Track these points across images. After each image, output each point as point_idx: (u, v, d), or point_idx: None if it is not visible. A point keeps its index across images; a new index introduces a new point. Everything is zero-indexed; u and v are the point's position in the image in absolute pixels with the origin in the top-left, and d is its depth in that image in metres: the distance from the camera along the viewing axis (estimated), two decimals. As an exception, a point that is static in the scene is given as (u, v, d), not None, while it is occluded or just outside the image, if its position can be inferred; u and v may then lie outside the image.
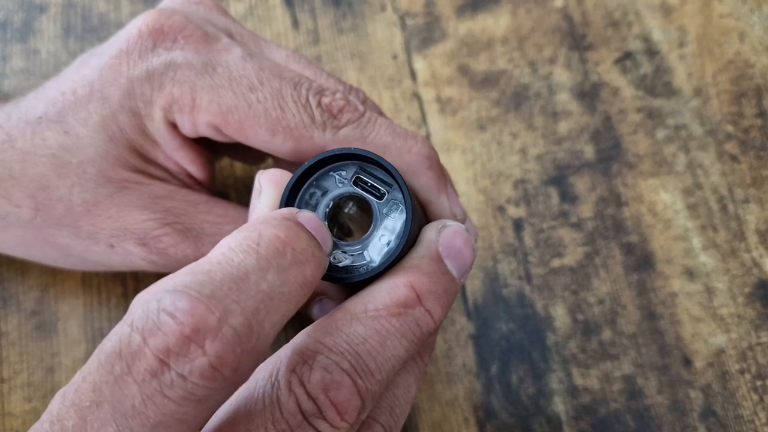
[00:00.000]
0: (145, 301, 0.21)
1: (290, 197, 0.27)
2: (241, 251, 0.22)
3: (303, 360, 0.24)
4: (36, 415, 0.36)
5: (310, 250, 0.23)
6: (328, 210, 0.27)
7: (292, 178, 0.27)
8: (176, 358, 0.20)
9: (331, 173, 0.27)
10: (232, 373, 0.21)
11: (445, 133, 0.42)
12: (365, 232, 0.27)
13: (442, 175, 0.30)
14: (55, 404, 0.22)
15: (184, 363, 0.20)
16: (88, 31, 0.44)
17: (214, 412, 0.22)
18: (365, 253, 0.27)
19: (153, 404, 0.20)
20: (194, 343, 0.20)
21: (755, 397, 0.36)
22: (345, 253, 0.27)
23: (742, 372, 0.37)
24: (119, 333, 0.21)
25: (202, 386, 0.20)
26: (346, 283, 0.26)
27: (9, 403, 0.37)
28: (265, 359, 0.25)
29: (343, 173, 0.27)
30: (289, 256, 0.23)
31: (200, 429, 0.22)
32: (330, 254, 0.26)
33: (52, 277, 0.39)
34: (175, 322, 0.20)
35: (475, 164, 0.41)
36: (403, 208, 0.27)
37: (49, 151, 0.32)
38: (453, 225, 0.28)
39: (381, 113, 0.33)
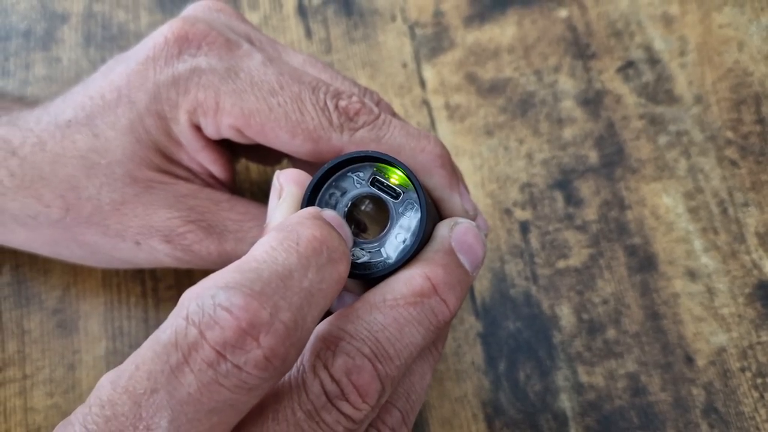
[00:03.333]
0: (198, 296, 0.22)
1: (311, 197, 0.28)
2: (283, 250, 0.24)
3: (326, 346, 0.25)
4: (57, 410, 0.38)
5: (342, 248, 0.25)
6: (346, 209, 0.29)
7: (313, 178, 0.28)
8: (233, 350, 0.21)
9: (349, 174, 0.29)
10: (281, 363, 0.22)
11: (454, 138, 0.43)
12: (380, 229, 0.29)
13: (454, 173, 0.32)
14: (105, 390, 0.22)
15: (240, 354, 0.21)
16: (108, 40, 0.46)
17: (260, 398, 0.23)
18: (382, 250, 0.28)
19: (208, 392, 0.21)
20: (250, 336, 0.21)
21: (756, 395, 0.37)
22: (363, 250, 0.28)
23: (743, 370, 0.38)
24: (174, 325, 0.22)
25: (255, 376, 0.22)
26: (364, 278, 0.28)
27: (32, 399, 0.38)
28: None
29: (361, 174, 0.28)
30: (326, 254, 0.24)
31: (245, 414, 0.23)
32: (351, 251, 0.27)
33: (73, 276, 0.40)
34: (231, 316, 0.21)
35: (483, 169, 0.42)
36: (418, 207, 0.28)
37: (79, 153, 0.33)
38: (464, 222, 0.29)
39: (394, 113, 0.35)
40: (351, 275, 0.27)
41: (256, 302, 0.22)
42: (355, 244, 0.28)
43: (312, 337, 0.25)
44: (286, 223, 0.25)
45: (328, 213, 0.26)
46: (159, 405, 0.22)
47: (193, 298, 0.22)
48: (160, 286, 0.40)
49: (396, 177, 0.28)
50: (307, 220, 0.25)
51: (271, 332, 0.22)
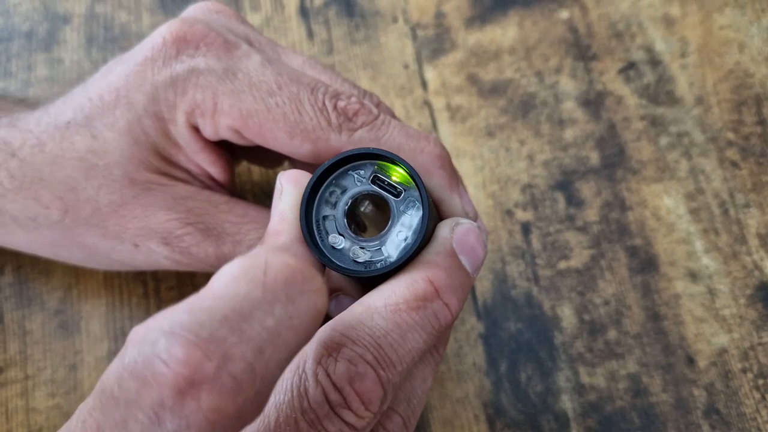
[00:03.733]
0: (141, 341, 0.20)
1: (311, 196, 0.28)
2: (245, 282, 0.21)
3: (328, 352, 0.24)
4: (59, 410, 0.38)
5: (320, 276, 0.22)
6: (346, 208, 0.28)
7: (313, 176, 0.28)
8: (171, 412, 0.19)
9: (350, 172, 0.28)
10: (233, 422, 0.20)
11: (455, 139, 0.43)
12: (380, 229, 0.29)
13: (454, 175, 0.32)
14: (72, 423, 0.21)
15: (180, 418, 0.19)
16: (110, 41, 0.46)
17: None
18: (383, 248, 0.28)
19: None
20: (188, 396, 0.19)
21: (757, 396, 0.37)
22: (363, 249, 0.28)
23: (744, 371, 0.38)
24: (116, 374, 0.20)
25: None
26: (365, 277, 0.27)
27: (33, 399, 0.38)
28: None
29: (362, 172, 0.28)
30: (300, 283, 0.21)
31: None
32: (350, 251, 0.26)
33: (75, 277, 0.40)
34: (169, 371, 0.19)
35: (484, 170, 0.42)
36: (419, 205, 0.28)
37: (78, 154, 0.33)
38: (466, 222, 0.29)
39: (394, 116, 0.35)
40: (352, 274, 0.27)
41: (199, 352, 0.19)
42: (356, 244, 0.28)
43: (313, 344, 0.25)
44: (255, 250, 0.23)
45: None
46: None
47: (135, 343, 0.20)
48: (161, 287, 0.40)
49: (397, 175, 0.28)
50: (280, 246, 0.23)
51: (216, 389, 0.19)
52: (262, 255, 0.22)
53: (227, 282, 0.21)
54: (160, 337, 0.19)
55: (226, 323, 0.20)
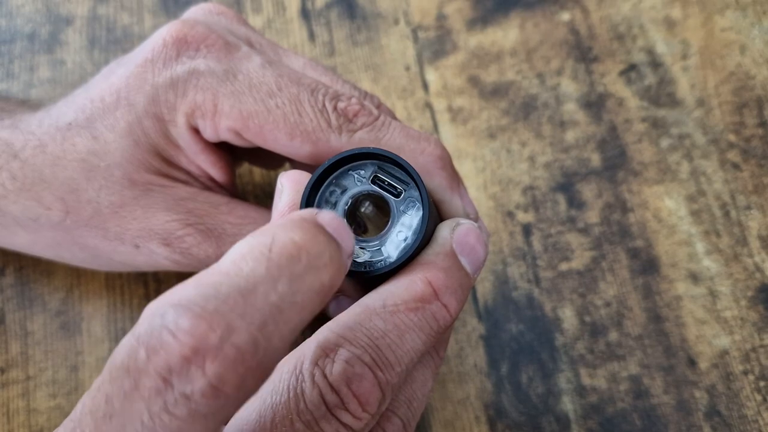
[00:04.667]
0: (152, 314, 0.21)
1: (311, 195, 0.28)
2: (251, 259, 0.21)
3: (325, 353, 0.24)
4: (60, 411, 0.38)
5: (328, 253, 0.23)
6: (347, 208, 0.28)
7: (312, 176, 0.28)
8: (178, 377, 0.20)
9: (350, 172, 0.28)
10: (235, 391, 0.20)
11: (456, 141, 0.43)
12: (380, 229, 0.28)
13: (454, 175, 0.31)
14: (78, 408, 0.22)
15: (185, 383, 0.20)
16: (112, 42, 0.46)
17: (226, 421, 0.22)
18: (383, 248, 0.28)
19: (160, 420, 0.20)
20: (194, 364, 0.20)
21: (759, 398, 0.37)
22: (363, 249, 0.28)
23: (745, 373, 0.38)
24: (127, 346, 0.21)
25: (206, 404, 0.20)
26: (365, 277, 0.27)
27: (34, 400, 0.38)
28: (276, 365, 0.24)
29: (362, 172, 0.28)
30: (304, 260, 0.22)
31: None
32: (352, 255, 0.25)
33: (76, 278, 0.40)
34: (175, 341, 0.20)
35: (486, 171, 0.42)
36: (420, 205, 0.28)
37: (79, 155, 0.33)
38: (466, 223, 0.29)
39: (395, 117, 0.35)
40: (351, 275, 0.27)
41: (204, 323, 0.20)
42: (356, 243, 0.28)
43: (311, 345, 0.25)
44: (266, 226, 0.23)
45: (326, 214, 0.24)
46: (116, 431, 0.20)
47: (147, 317, 0.21)
48: (162, 288, 0.40)
49: (397, 175, 0.28)
50: (291, 222, 0.23)
51: (219, 358, 0.20)
52: (271, 232, 0.22)
53: (234, 259, 0.22)
54: (168, 310, 0.20)
55: (231, 298, 0.20)
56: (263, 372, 0.21)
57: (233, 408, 0.21)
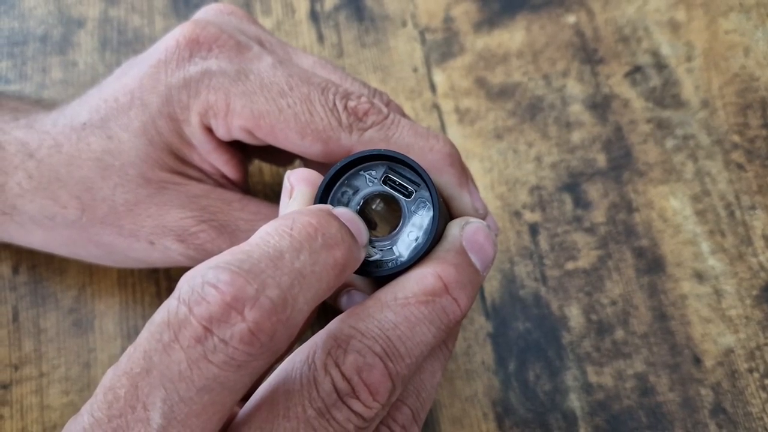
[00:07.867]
0: (190, 277, 0.23)
1: (323, 196, 0.28)
2: (276, 234, 0.24)
3: (338, 344, 0.25)
4: (73, 407, 0.38)
5: (340, 235, 0.25)
6: (358, 207, 0.29)
7: (326, 177, 0.28)
8: (218, 324, 0.22)
9: (361, 173, 0.29)
10: (268, 339, 0.22)
11: (464, 142, 0.43)
12: (391, 227, 0.29)
13: (463, 172, 0.32)
14: (107, 377, 0.23)
15: (225, 328, 0.22)
16: (124, 44, 0.46)
17: (253, 380, 0.23)
18: (394, 248, 0.28)
19: (198, 369, 0.22)
20: (234, 310, 0.22)
21: (764, 395, 0.38)
22: (375, 248, 0.28)
23: (750, 371, 0.38)
24: (167, 306, 0.23)
25: (242, 351, 0.22)
26: (376, 276, 0.28)
27: (48, 397, 0.38)
28: (298, 335, 0.26)
29: (373, 173, 0.29)
30: (320, 239, 0.24)
31: (240, 397, 0.24)
32: (365, 247, 0.27)
33: (89, 276, 0.41)
34: (217, 292, 0.22)
35: (493, 172, 0.43)
36: (430, 205, 0.28)
37: (94, 155, 0.33)
38: (475, 221, 0.29)
39: (404, 114, 0.35)
40: (363, 273, 0.28)
41: (242, 278, 0.22)
42: (368, 242, 0.28)
43: (323, 335, 0.26)
44: (286, 213, 0.26)
45: (341, 210, 0.27)
46: (153, 384, 0.22)
47: (186, 280, 0.23)
48: (173, 287, 0.40)
49: (408, 175, 0.29)
50: (308, 210, 0.25)
51: (256, 306, 0.22)
52: (291, 216, 0.25)
53: (262, 235, 0.24)
54: (208, 271, 0.22)
55: (262, 261, 0.23)
56: (291, 329, 0.23)
57: (263, 363, 0.23)
